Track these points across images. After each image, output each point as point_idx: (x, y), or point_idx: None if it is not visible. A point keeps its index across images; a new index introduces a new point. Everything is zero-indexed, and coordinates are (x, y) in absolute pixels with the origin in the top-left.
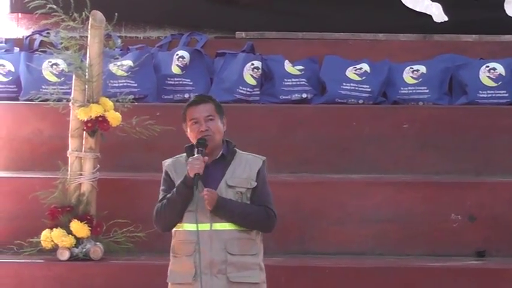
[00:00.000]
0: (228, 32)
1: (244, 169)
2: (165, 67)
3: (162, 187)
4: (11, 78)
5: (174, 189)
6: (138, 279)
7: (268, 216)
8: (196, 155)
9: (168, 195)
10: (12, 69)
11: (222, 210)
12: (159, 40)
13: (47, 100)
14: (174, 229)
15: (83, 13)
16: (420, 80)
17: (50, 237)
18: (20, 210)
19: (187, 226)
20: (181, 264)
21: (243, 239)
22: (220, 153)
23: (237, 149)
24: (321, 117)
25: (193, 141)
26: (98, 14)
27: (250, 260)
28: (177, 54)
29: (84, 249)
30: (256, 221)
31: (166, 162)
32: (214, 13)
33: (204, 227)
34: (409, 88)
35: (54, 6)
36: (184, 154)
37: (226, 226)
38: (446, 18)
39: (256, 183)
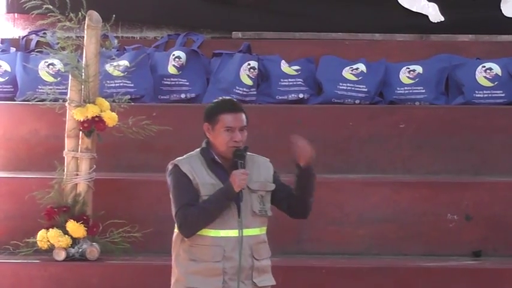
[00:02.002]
0: (225, 32)
1: (260, 173)
2: (162, 67)
3: (179, 190)
4: (7, 78)
5: (211, 199)
6: (134, 280)
7: None
8: (241, 170)
9: (203, 205)
10: (9, 70)
11: (312, 169)
12: (156, 40)
13: (43, 100)
14: None
15: (79, 13)
16: (417, 80)
17: (46, 237)
18: (16, 210)
19: (215, 232)
20: (206, 268)
21: (263, 242)
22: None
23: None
24: (317, 118)
25: (221, 147)
26: (95, 14)
27: (267, 263)
28: (174, 55)
29: (80, 250)
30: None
31: (181, 162)
32: (210, 13)
33: (234, 233)
34: (406, 88)
35: (51, 7)
36: (195, 153)
37: (252, 231)
38: (442, 18)
39: (274, 185)
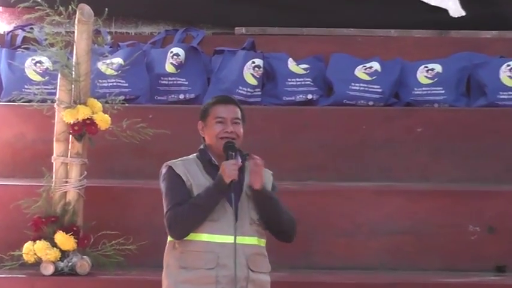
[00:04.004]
0: (227, 28)
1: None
2: (159, 66)
3: (170, 191)
4: None
5: (202, 194)
6: None
7: (293, 219)
8: (231, 160)
9: (194, 201)
10: None
11: (267, 193)
12: (152, 36)
13: (30, 101)
14: (185, 238)
15: (70, 7)
16: (435, 80)
17: (32, 250)
18: (0, 220)
19: (208, 237)
20: (197, 277)
21: (261, 255)
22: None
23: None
24: (327, 120)
25: (212, 141)
26: (86, 8)
27: (265, 278)
28: (172, 52)
29: (70, 263)
30: (291, 221)
31: (175, 164)
32: (211, 7)
33: (229, 239)
34: (424, 89)
35: (39, 0)
36: (191, 157)
37: (249, 240)
38: (463, 13)
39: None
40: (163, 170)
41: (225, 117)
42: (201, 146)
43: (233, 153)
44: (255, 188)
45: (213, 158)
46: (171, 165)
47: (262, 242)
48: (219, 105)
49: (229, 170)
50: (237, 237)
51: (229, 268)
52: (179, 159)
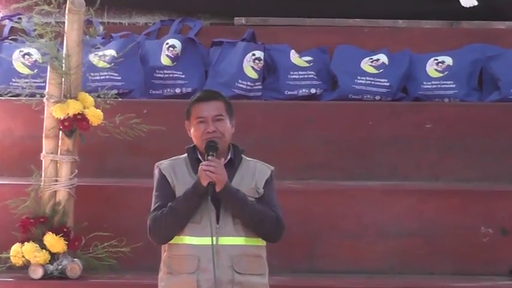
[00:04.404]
0: (226, 18)
1: (253, 178)
2: (154, 58)
3: (156, 192)
4: None
5: (180, 197)
6: None
7: (278, 220)
8: (208, 161)
9: (171, 204)
10: None
11: (231, 193)
12: (147, 27)
13: (18, 95)
14: (170, 242)
15: None
16: (446, 73)
17: (20, 252)
18: None
19: (189, 240)
20: (180, 282)
21: (251, 256)
22: (228, 158)
23: (243, 155)
24: (331, 116)
25: (197, 142)
26: None
27: (258, 280)
28: (167, 43)
29: (60, 266)
30: (266, 221)
31: (163, 164)
32: None
33: (209, 241)
34: (433, 83)
35: None
36: (183, 156)
37: (234, 240)
38: (476, 3)
39: (263, 191)
40: (154, 171)
41: (206, 116)
42: (190, 145)
43: (213, 154)
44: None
45: (200, 157)
46: (158, 165)
47: (252, 242)
48: (199, 104)
49: (205, 171)
50: (220, 237)
51: (210, 272)
52: (169, 159)
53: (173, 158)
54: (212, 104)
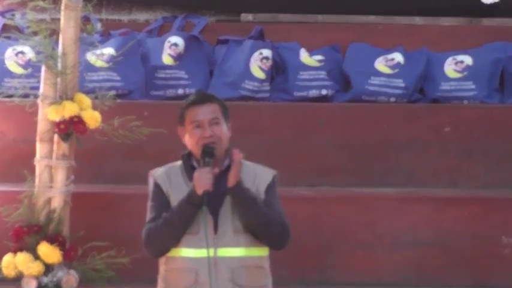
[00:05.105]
0: (232, 14)
1: (254, 183)
2: (155, 57)
3: (151, 203)
4: None
5: (174, 207)
6: None
7: (283, 226)
8: (204, 168)
9: (165, 215)
10: None
11: (243, 191)
12: (148, 24)
13: (10, 96)
14: (167, 254)
15: None
16: (465, 73)
17: (13, 263)
18: None
19: (186, 252)
20: None
21: (252, 267)
22: (227, 163)
23: (242, 160)
24: (344, 119)
25: (193, 148)
26: None
27: None
28: (170, 41)
29: (55, 278)
30: (273, 224)
31: (157, 173)
32: None
33: (206, 253)
34: (452, 83)
35: None
36: (179, 163)
37: (233, 251)
38: None
39: (264, 196)
40: (149, 180)
41: (201, 120)
42: (185, 152)
43: (210, 160)
44: (228, 185)
45: (195, 164)
46: (153, 174)
47: (254, 252)
48: (194, 107)
49: (199, 178)
50: (219, 249)
51: (208, 285)
52: (164, 166)
53: (169, 165)
54: (207, 107)
